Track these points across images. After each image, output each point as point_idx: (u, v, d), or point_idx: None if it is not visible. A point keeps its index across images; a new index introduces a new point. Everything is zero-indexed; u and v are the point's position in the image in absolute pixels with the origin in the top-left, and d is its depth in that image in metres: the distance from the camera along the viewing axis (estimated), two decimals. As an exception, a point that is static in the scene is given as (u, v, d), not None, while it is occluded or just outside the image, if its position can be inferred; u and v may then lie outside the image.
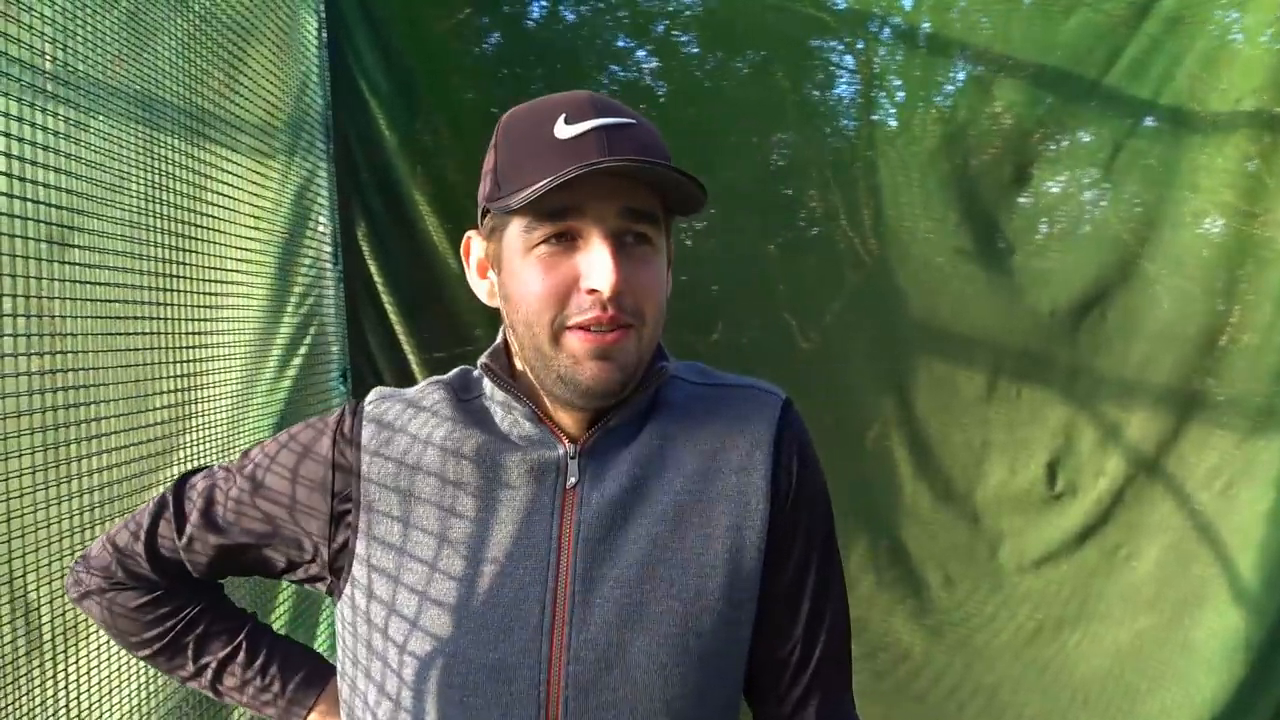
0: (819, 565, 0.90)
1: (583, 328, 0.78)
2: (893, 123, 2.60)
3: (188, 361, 1.56)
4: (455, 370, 0.93)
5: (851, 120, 2.60)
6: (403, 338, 2.39)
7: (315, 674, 0.99)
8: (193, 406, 1.58)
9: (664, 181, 0.78)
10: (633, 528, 0.82)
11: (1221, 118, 2.38)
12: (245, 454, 0.93)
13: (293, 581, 0.94)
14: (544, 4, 2.58)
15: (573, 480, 0.83)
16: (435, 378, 0.93)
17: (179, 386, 1.53)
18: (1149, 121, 2.49)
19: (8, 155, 1.12)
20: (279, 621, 1.94)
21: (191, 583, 0.96)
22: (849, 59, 2.59)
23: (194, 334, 1.58)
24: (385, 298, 2.39)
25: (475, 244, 0.89)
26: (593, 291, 0.77)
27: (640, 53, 2.61)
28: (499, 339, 0.89)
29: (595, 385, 0.79)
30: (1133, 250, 2.47)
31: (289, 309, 2.05)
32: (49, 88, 1.21)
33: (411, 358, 2.40)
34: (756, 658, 0.89)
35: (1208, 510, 2.44)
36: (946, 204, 2.47)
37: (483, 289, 0.89)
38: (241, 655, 0.97)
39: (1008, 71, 2.47)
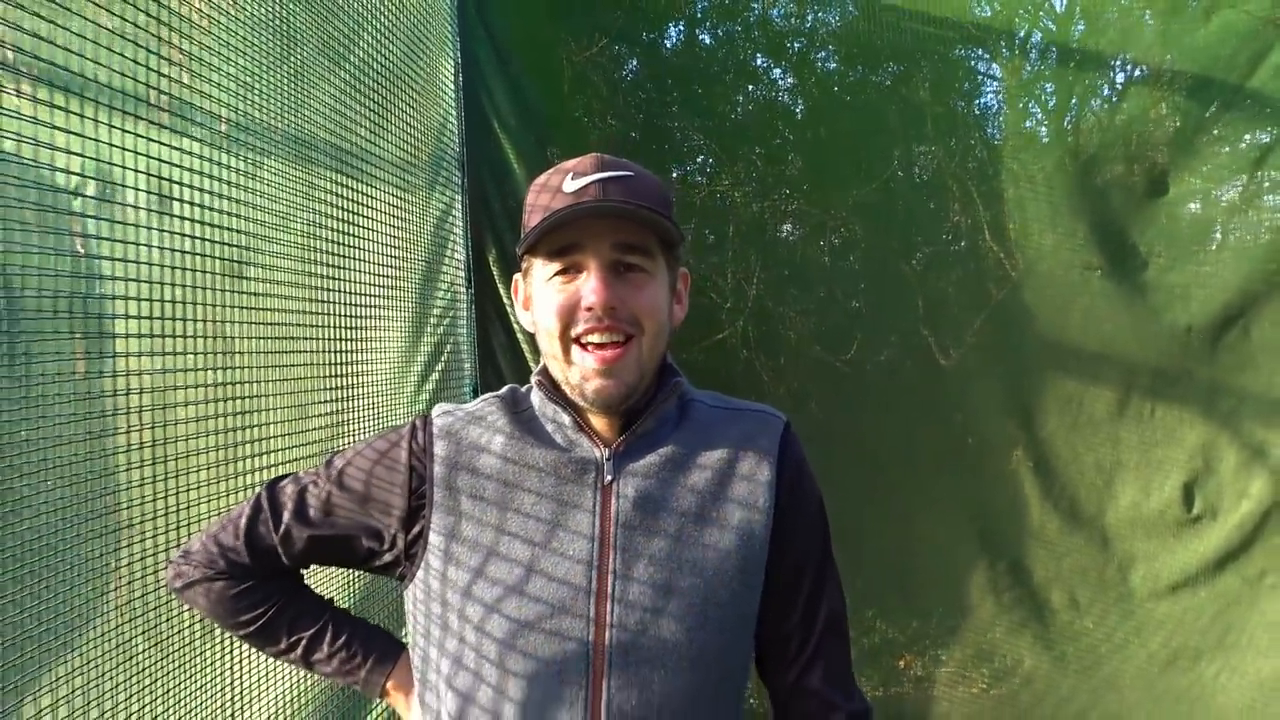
0: (816, 556, 1.04)
1: (587, 339, 0.93)
2: (1043, 131, 2.47)
3: (341, 377, 1.66)
4: (505, 388, 1.07)
5: (997, 130, 2.48)
6: (527, 356, 2.47)
7: (391, 648, 1.11)
8: (345, 416, 1.68)
9: (645, 219, 0.92)
10: (662, 519, 0.96)
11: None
12: (329, 460, 1.05)
13: (369, 570, 1.05)
14: (681, 29, 2.59)
15: (609, 478, 0.97)
16: (490, 394, 1.07)
17: (334, 399, 1.63)
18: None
19: (191, 203, 1.23)
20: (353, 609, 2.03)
21: (282, 572, 1.07)
22: (995, 67, 2.48)
23: (347, 353, 1.69)
24: (512, 319, 2.46)
25: (520, 285, 1.04)
26: (589, 308, 0.92)
27: (776, 71, 2.58)
28: (541, 362, 1.02)
29: (598, 397, 0.94)
30: (1280, 264, 2.27)
31: (428, 330, 2.16)
32: (225, 136, 1.32)
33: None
34: (765, 633, 1.02)
35: (1362, 538, 2.21)
36: (1080, 216, 2.34)
37: (525, 320, 1.03)
38: (329, 633, 1.08)
39: (1162, 78, 2.31)
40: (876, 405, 2.42)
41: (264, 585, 1.06)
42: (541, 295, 0.96)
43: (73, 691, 1.03)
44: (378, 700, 1.14)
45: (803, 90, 2.56)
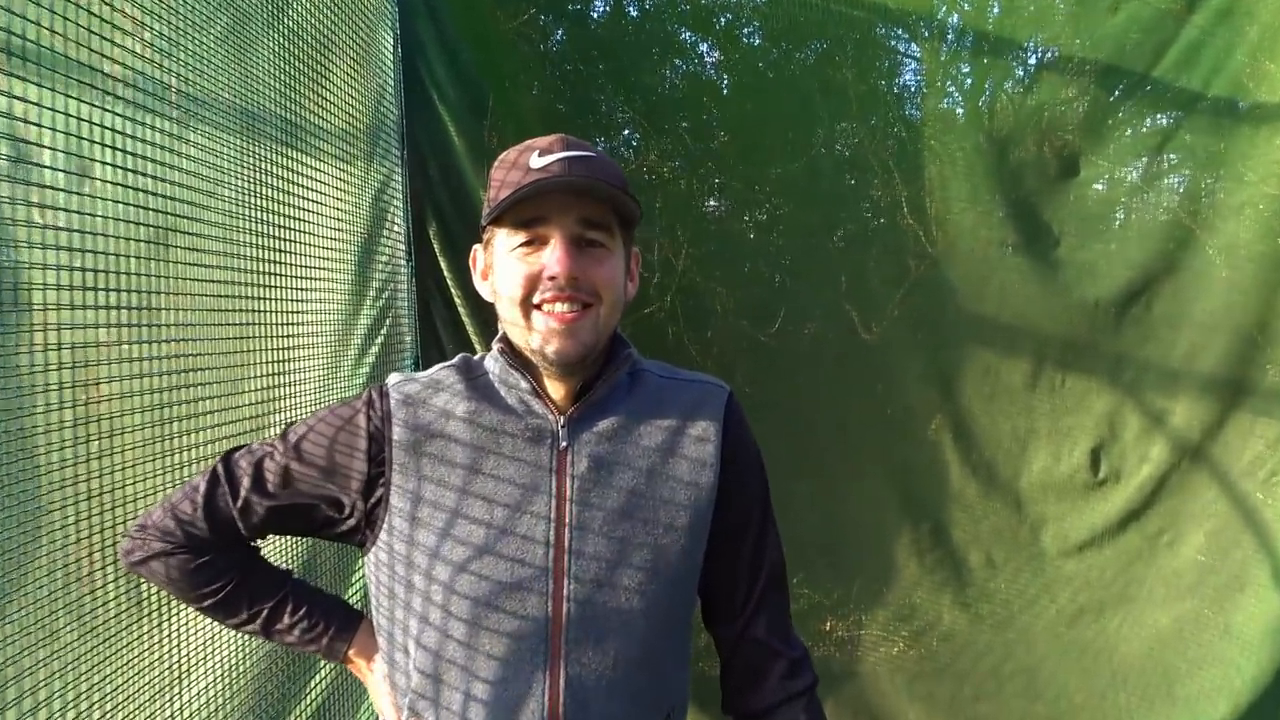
0: (758, 514, 1.10)
1: (548, 305, 0.97)
2: (959, 111, 2.50)
3: (277, 350, 1.61)
4: (458, 356, 1.10)
5: (916, 109, 2.51)
6: (469, 328, 2.43)
7: (351, 616, 1.13)
8: (281, 390, 1.63)
9: (605, 195, 0.97)
10: (615, 478, 1.01)
11: (1270, 109, 2.29)
12: (286, 431, 1.06)
13: (328, 537, 1.07)
14: (608, 1, 2.55)
15: (564, 444, 1.01)
16: (443, 363, 1.09)
17: (269, 373, 1.58)
18: (1198, 113, 2.40)
19: (115, 165, 1.17)
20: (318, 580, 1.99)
21: (240, 543, 1.08)
22: (915, 47, 2.50)
23: (283, 324, 1.64)
24: (453, 291, 2.43)
25: (479, 255, 1.08)
26: (553, 278, 0.96)
27: (703, 46, 2.56)
28: (500, 332, 1.05)
29: (558, 356, 0.97)
30: (1179, 241, 2.39)
31: (367, 302, 2.11)
32: (151, 101, 1.26)
33: (478, 346, 2.44)
34: (712, 584, 1.09)
35: (1251, 498, 2.36)
36: (999, 193, 2.40)
37: (485, 289, 1.07)
38: (290, 603, 1.10)
39: (1072, 62, 2.39)
40: (802, 377, 2.46)
41: (223, 557, 1.06)
42: (505, 264, 0.99)
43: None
44: (326, 666, 1.14)
45: (729, 65, 2.55)
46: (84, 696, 1.12)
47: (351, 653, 1.12)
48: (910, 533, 2.47)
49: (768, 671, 1.10)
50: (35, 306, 1.06)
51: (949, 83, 2.55)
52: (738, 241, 2.52)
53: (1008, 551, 2.46)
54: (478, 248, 1.08)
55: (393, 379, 1.07)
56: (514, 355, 1.02)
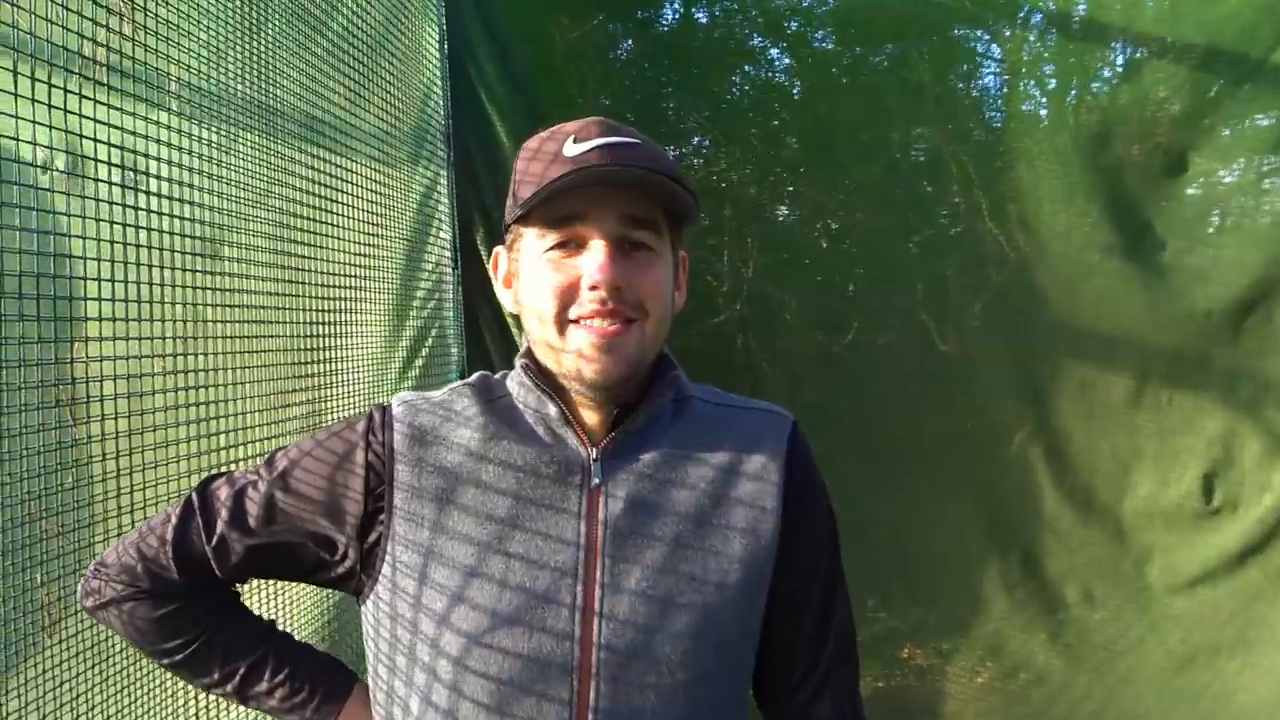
0: (826, 570, 0.97)
1: (586, 321, 0.85)
2: (1043, 113, 2.46)
3: (322, 362, 1.65)
4: (476, 375, 0.99)
5: (997, 112, 2.47)
6: (517, 339, 2.45)
7: (341, 679, 1.01)
8: (327, 404, 1.67)
9: (657, 189, 0.85)
10: (656, 526, 0.88)
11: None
12: (272, 457, 0.95)
13: (319, 583, 0.97)
14: (677, 7, 2.60)
15: (596, 481, 0.89)
16: (458, 382, 0.98)
17: (315, 385, 1.61)
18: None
19: (160, 177, 1.21)
20: (304, 630, 1.97)
21: (215, 587, 0.97)
22: (995, 48, 2.48)
23: (328, 335, 1.67)
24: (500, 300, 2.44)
25: (502, 258, 0.96)
26: (594, 288, 0.84)
27: (774, 51, 2.57)
28: (524, 345, 0.94)
29: (599, 378, 0.86)
30: (1305, 245, 2.24)
31: (413, 310, 2.15)
32: (175, 96, 1.30)
33: (525, 358, 2.45)
34: (768, 655, 0.95)
35: (1391, 532, 2.19)
36: (1095, 198, 2.33)
37: (507, 298, 0.95)
38: (270, 662, 0.97)
39: (1167, 55, 2.29)
40: (875, 390, 2.43)
41: (193, 605, 0.95)
42: (533, 271, 0.88)
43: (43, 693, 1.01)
44: None
45: (800, 70, 2.56)
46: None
47: None
48: (998, 562, 2.39)
49: None
50: (90, 318, 1.10)
51: (1032, 83, 2.50)
52: (809, 249, 2.50)
53: (1109, 586, 2.35)
54: (500, 250, 0.96)
55: (397, 399, 0.95)
56: (540, 375, 0.90)
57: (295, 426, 1.54)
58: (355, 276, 1.81)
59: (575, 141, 0.85)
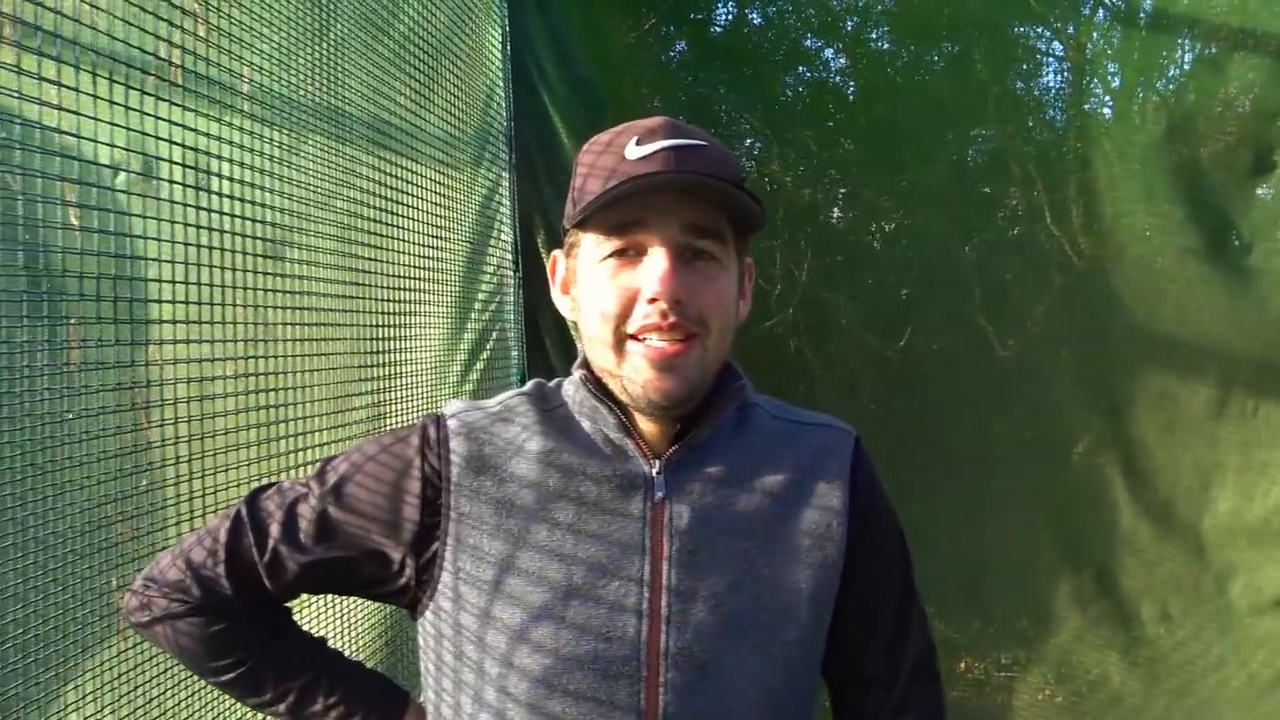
0: (898, 587, 0.96)
1: (645, 336, 0.83)
2: (1107, 112, 2.41)
3: (385, 365, 1.67)
4: (531, 383, 0.97)
5: (1059, 111, 2.44)
6: (578, 344, 2.43)
7: (397, 697, 0.99)
8: (389, 406, 1.68)
9: (724, 197, 0.82)
10: (723, 542, 0.86)
11: None
12: (322, 470, 0.92)
13: (373, 597, 0.95)
14: (731, 9, 2.60)
15: (660, 494, 0.86)
16: (513, 390, 0.96)
17: (376, 388, 1.63)
18: None
19: (230, 179, 1.23)
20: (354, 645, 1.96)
21: (268, 603, 0.95)
22: (1057, 45, 2.43)
23: (390, 339, 1.69)
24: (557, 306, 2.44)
25: (560, 263, 0.94)
26: (653, 300, 0.81)
27: (829, 51, 2.57)
28: (581, 354, 0.92)
29: (658, 398, 0.83)
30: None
31: (474, 314, 2.16)
32: (248, 98, 1.32)
33: (587, 363, 2.45)
34: (843, 677, 0.95)
35: None
36: (1171, 198, 2.26)
37: (564, 305, 0.93)
38: (325, 682, 0.96)
39: (1245, 48, 2.22)
40: (931, 395, 2.39)
41: (245, 622, 0.93)
42: (592, 279, 0.85)
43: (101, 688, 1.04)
44: None
45: (855, 71, 2.54)
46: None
47: None
48: (1070, 577, 2.33)
49: None
50: (161, 321, 1.12)
51: (1095, 81, 2.44)
52: (864, 252, 2.50)
53: (1188, 605, 2.27)
54: (558, 254, 0.93)
55: (450, 407, 0.93)
56: (599, 385, 0.88)
57: (358, 430, 1.56)
58: (418, 279, 1.82)
59: (639, 144, 0.83)
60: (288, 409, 1.37)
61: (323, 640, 1.02)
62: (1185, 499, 2.27)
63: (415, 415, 1.81)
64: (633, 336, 0.83)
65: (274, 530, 0.89)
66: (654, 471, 0.87)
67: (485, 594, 0.85)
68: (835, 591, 0.90)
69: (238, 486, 1.24)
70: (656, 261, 0.81)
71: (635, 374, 0.83)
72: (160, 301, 1.12)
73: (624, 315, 0.83)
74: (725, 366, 0.91)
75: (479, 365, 2.17)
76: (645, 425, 0.88)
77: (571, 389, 0.92)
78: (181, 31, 1.12)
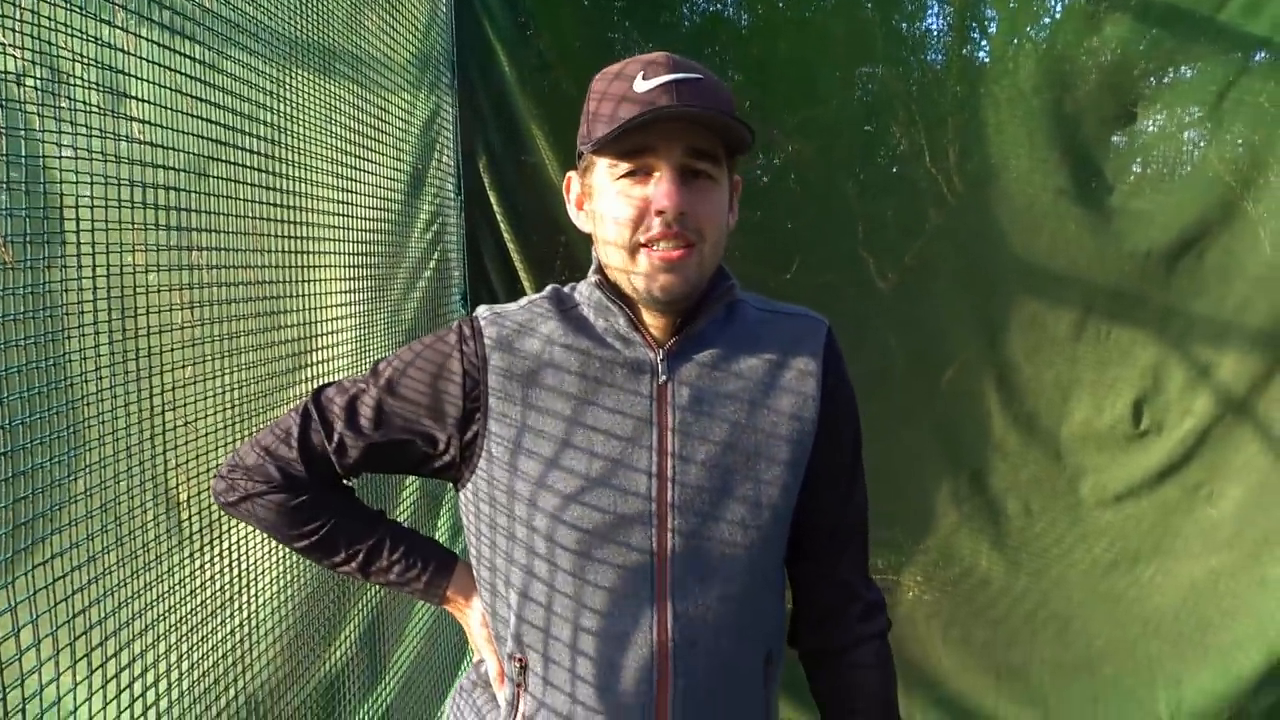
0: (852, 453, 1.03)
1: (654, 244, 0.88)
2: (984, 56, 2.32)
3: (317, 281, 1.51)
4: (548, 288, 1.01)
5: (940, 54, 2.32)
6: (518, 263, 2.32)
7: (447, 557, 1.06)
8: (321, 326, 1.54)
9: (719, 125, 0.87)
10: (717, 410, 0.93)
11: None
12: (375, 367, 0.98)
13: (424, 474, 1.00)
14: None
15: (664, 377, 0.93)
16: (531, 295, 1.01)
17: (308, 306, 1.48)
18: (1260, 59, 2.16)
19: (153, 83, 1.06)
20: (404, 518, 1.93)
21: (335, 482, 1.01)
22: None
23: (324, 253, 1.53)
24: (502, 225, 2.30)
25: (574, 182, 0.98)
26: (660, 213, 0.87)
27: (725, -17, 2.38)
28: (595, 262, 0.96)
29: (663, 294, 0.90)
30: (1236, 192, 2.18)
31: (415, 235, 2.00)
32: (188, 24, 1.14)
33: (526, 283, 2.33)
34: (801, 524, 1.01)
35: (1295, 453, 2.18)
36: (1042, 142, 2.22)
37: (581, 219, 0.98)
38: (388, 543, 1.02)
39: (1113, 3, 2.17)
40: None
41: (319, 497, 0.99)
42: (606, 197, 0.90)
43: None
44: (372, 590, 1.03)
45: (749, 4, 2.37)
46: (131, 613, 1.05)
47: (450, 591, 1.05)
48: (949, 480, 2.34)
49: (845, 612, 1.03)
50: (79, 233, 0.96)
51: (974, 26, 2.33)
52: (752, 186, 2.37)
53: (1045, 500, 2.32)
54: (572, 175, 0.98)
55: (482, 310, 0.99)
56: (611, 288, 0.94)
57: (290, 349, 1.41)
58: (358, 198, 1.64)
59: (645, 77, 0.87)
60: (215, 325, 1.22)
61: (382, 512, 1.08)
62: (1047, 410, 2.29)
63: (351, 333, 1.67)
64: (643, 245, 0.89)
65: (339, 419, 0.96)
66: (658, 359, 0.94)
67: (524, 458, 0.91)
68: (810, 449, 0.96)
69: (160, 400, 1.10)
70: (664, 181, 0.87)
71: (645, 276, 0.89)
72: (79, 219, 0.95)
73: (636, 225, 0.88)
74: (718, 269, 0.96)
75: (421, 284, 2.02)
76: (650, 320, 0.94)
77: (586, 290, 0.97)
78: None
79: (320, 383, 1.12)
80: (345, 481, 1.03)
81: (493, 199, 2.28)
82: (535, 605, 0.93)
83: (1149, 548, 2.29)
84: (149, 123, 1.06)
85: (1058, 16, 2.25)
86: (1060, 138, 2.22)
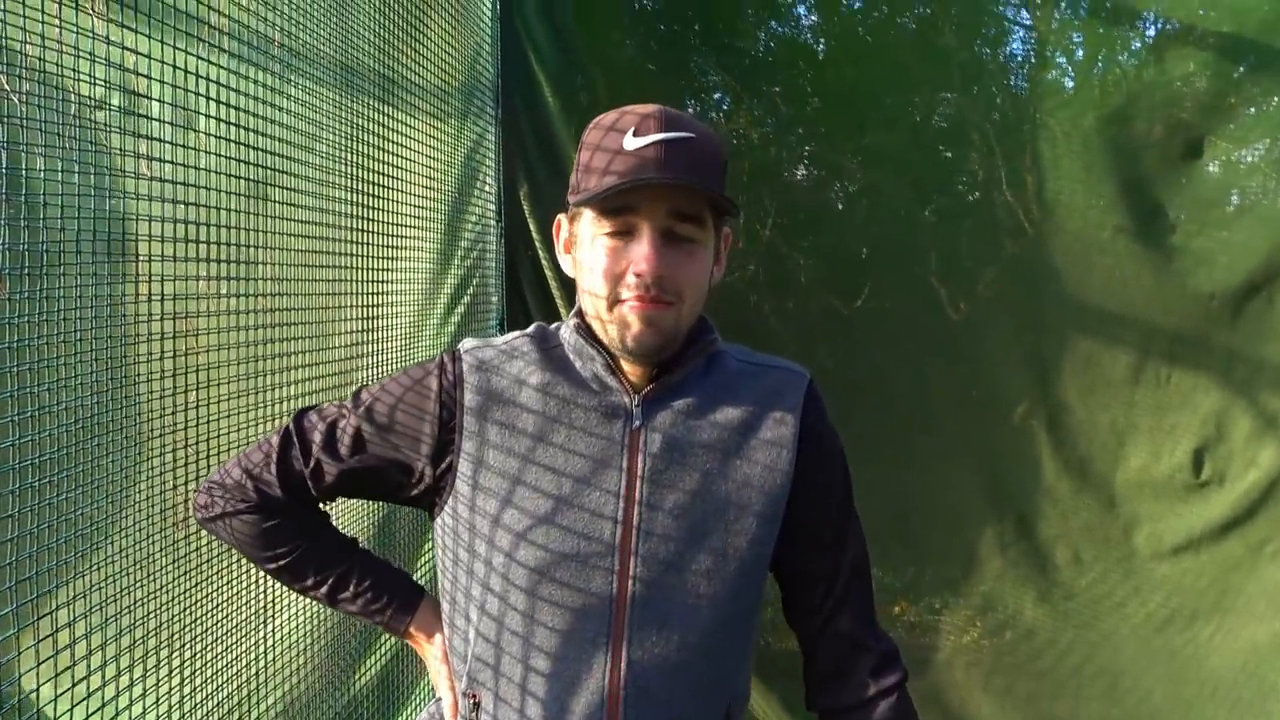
0: (839, 505, 1.03)
1: (631, 303, 0.90)
2: (1068, 83, 2.29)
3: (366, 307, 1.58)
4: (534, 326, 1.03)
5: (1022, 80, 2.31)
6: (554, 290, 2.37)
7: (413, 593, 1.08)
8: (368, 346, 1.60)
9: (703, 193, 0.89)
10: (689, 459, 0.95)
11: None
12: (357, 394, 1.01)
13: (398, 501, 1.03)
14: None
15: (638, 422, 0.95)
16: (519, 331, 1.03)
17: (358, 328, 1.55)
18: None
19: (217, 118, 1.13)
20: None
21: (311, 506, 1.04)
22: (1024, 13, 2.30)
23: (372, 280, 1.60)
24: (540, 254, 2.36)
25: (563, 226, 0.99)
26: (639, 275, 0.88)
27: (801, 8, 2.41)
28: (577, 305, 0.98)
29: (637, 346, 0.91)
30: (1309, 232, 2.13)
31: (455, 261, 2.06)
32: (253, 53, 1.21)
33: (561, 310, 2.38)
34: (792, 578, 1.03)
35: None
36: (1101, 175, 2.20)
37: (566, 264, 0.99)
38: (356, 573, 1.04)
39: (1194, 35, 2.15)
40: (884, 354, 2.32)
41: (293, 520, 1.02)
42: (590, 251, 0.92)
43: (89, 608, 0.97)
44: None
45: (827, 29, 2.40)
46: (176, 622, 1.11)
47: (413, 627, 1.06)
48: (994, 523, 2.31)
49: (855, 667, 1.03)
50: (140, 258, 1.04)
51: (1059, 53, 2.33)
52: (825, 211, 2.39)
53: (1097, 550, 2.27)
54: (562, 218, 1.00)
55: (465, 344, 1.00)
56: (590, 333, 0.96)
57: (337, 370, 1.48)
58: (401, 224, 1.71)
59: (635, 134, 0.88)
60: (269, 346, 1.29)
61: (355, 540, 1.10)
62: (1101, 455, 2.25)
63: (397, 356, 1.73)
64: (620, 301, 0.90)
65: (317, 443, 0.98)
66: (634, 405, 0.95)
67: (484, 495, 0.93)
68: (784, 502, 0.97)
69: (217, 421, 1.16)
70: (644, 243, 0.88)
71: (622, 326, 0.91)
72: (138, 239, 1.03)
73: (616, 281, 0.90)
74: (700, 321, 0.98)
75: (459, 309, 2.08)
76: (628, 367, 0.95)
77: (567, 333, 0.98)
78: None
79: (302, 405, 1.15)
80: (321, 506, 1.05)
81: (532, 227, 2.34)
82: (487, 643, 0.95)
83: (1208, 605, 2.23)
84: (210, 151, 1.13)
85: (1148, 44, 2.23)
86: (1123, 172, 2.21)
